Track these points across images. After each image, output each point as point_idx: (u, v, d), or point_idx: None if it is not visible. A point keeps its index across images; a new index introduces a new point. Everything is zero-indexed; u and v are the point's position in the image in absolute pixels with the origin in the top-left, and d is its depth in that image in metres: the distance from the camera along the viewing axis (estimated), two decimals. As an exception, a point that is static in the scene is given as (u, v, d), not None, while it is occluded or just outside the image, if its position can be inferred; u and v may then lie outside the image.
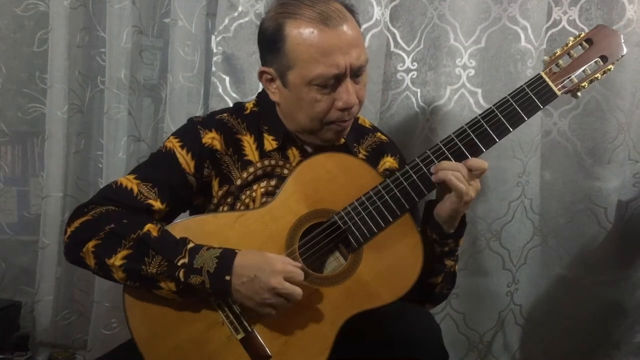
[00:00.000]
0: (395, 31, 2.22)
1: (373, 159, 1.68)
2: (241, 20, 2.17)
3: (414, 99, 2.24)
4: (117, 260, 1.43)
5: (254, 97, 2.12)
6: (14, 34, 2.40)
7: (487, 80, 2.20)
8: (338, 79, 1.49)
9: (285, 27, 1.49)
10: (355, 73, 1.51)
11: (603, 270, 2.34)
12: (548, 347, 2.40)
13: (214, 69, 2.22)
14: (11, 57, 2.41)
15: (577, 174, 2.28)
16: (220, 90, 2.21)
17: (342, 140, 1.65)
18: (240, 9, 2.16)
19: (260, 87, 2.15)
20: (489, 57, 2.20)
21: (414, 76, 2.24)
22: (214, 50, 2.23)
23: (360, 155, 1.68)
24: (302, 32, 1.47)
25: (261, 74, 1.59)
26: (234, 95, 2.21)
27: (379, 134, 1.77)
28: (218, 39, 2.20)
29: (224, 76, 2.21)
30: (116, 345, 1.77)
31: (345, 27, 1.48)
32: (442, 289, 1.64)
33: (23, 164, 2.50)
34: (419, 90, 2.23)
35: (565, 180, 2.31)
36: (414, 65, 2.24)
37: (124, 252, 1.43)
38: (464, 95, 2.19)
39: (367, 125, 1.78)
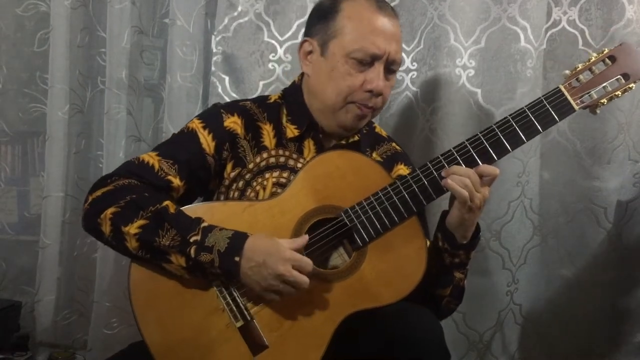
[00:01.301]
0: (395, 31, 2.22)
1: (386, 166, 1.68)
2: (241, 20, 2.18)
3: (414, 99, 2.24)
4: (132, 228, 1.46)
5: (254, 96, 2.14)
6: (14, 34, 2.40)
7: (487, 80, 2.21)
8: (374, 60, 1.57)
9: (342, 3, 1.61)
10: (390, 65, 1.60)
11: (603, 270, 2.34)
12: (547, 346, 2.40)
13: (213, 68, 2.22)
14: (12, 57, 2.41)
15: (576, 174, 2.29)
16: (219, 90, 2.21)
17: (357, 137, 1.68)
18: (240, 8, 2.17)
19: (260, 88, 2.17)
20: (489, 58, 2.20)
21: (414, 76, 2.24)
22: (214, 50, 2.23)
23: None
24: (357, 9, 1.59)
25: (302, 43, 1.67)
26: (234, 95, 2.21)
27: (394, 144, 1.80)
28: (218, 38, 2.20)
29: (223, 76, 2.21)
30: (116, 348, 1.76)
31: (395, 21, 1.63)
32: (449, 304, 1.65)
33: (23, 164, 2.50)
34: (419, 90, 2.24)
35: (565, 180, 2.31)
36: (413, 65, 2.24)
37: (140, 222, 1.46)
38: (464, 96, 2.19)
39: (383, 135, 1.82)
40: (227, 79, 2.22)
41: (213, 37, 2.26)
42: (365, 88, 1.58)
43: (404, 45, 2.22)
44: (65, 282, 2.46)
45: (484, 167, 1.50)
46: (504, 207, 2.27)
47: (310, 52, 1.65)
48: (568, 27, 2.21)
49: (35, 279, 2.41)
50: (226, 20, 2.18)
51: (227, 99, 2.19)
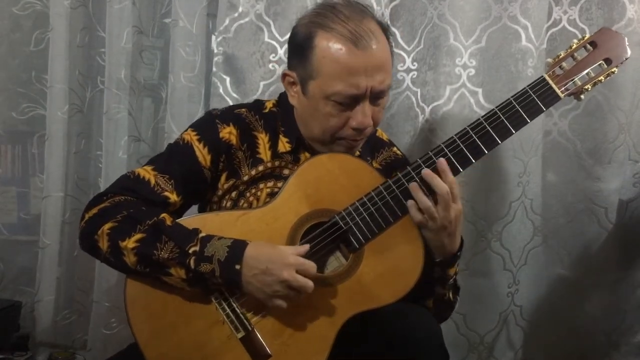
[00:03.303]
0: (396, 31, 2.21)
1: (385, 174, 1.67)
2: (241, 21, 2.18)
3: (414, 99, 2.24)
4: (130, 243, 1.44)
5: (255, 96, 2.13)
6: (13, 34, 2.39)
7: (487, 79, 2.20)
8: (356, 99, 1.50)
9: (315, 37, 1.50)
10: (376, 96, 1.52)
11: (603, 271, 2.34)
12: (548, 347, 2.40)
13: (214, 69, 2.22)
14: (8, 56, 2.40)
15: (577, 174, 2.28)
16: (220, 90, 2.21)
17: (357, 153, 1.65)
18: (240, 9, 2.17)
19: (261, 89, 2.17)
20: (490, 57, 2.19)
21: (414, 76, 2.23)
22: (215, 51, 2.23)
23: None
24: (331, 47, 1.48)
25: (284, 76, 1.61)
26: (235, 95, 2.21)
27: (394, 149, 1.78)
28: (219, 39, 2.20)
29: (224, 76, 2.21)
30: (115, 350, 1.76)
31: (374, 50, 1.48)
32: (437, 315, 1.61)
33: (23, 164, 2.50)
34: (419, 90, 2.23)
35: (565, 180, 2.31)
36: (414, 65, 2.24)
37: (138, 236, 1.45)
38: (464, 95, 2.19)
39: (384, 139, 1.79)
40: (228, 79, 2.22)
41: (214, 37, 2.27)
42: (350, 125, 1.52)
43: (404, 45, 2.22)
44: (65, 282, 2.46)
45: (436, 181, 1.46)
46: (505, 207, 2.27)
47: (294, 83, 1.59)
48: (569, 27, 2.21)
49: (35, 279, 2.41)
50: (227, 21, 2.18)
51: (229, 100, 2.20)
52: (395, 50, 2.22)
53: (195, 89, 2.29)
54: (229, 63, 2.20)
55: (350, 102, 1.50)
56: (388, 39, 1.55)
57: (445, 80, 2.19)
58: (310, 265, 1.42)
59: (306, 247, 1.45)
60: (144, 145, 2.40)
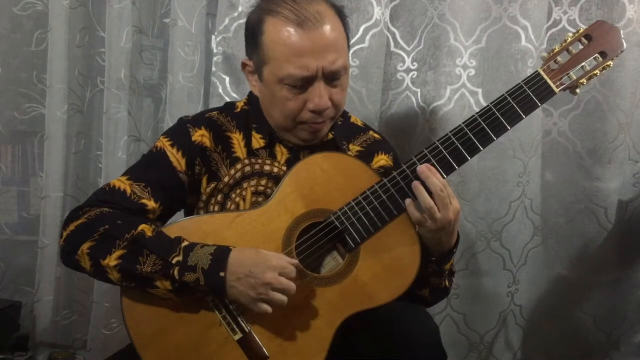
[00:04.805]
0: (395, 31, 2.21)
1: (365, 157, 1.67)
2: (241, 21, 2.17)
3: (414, 99, 2.24)
4: (111, 260, 1.43)
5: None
6: (13, 34, 2.39)
7: (487, 80, 2.20)
8: (309, 81, 1.50)
9: (264, 23, 1.51)
10: (330, 77, 1.51)
11: (603, 270, 2.34)
12: (548, 347, 2.40)
13: (214, 69, 2.22)
14: (9, 57, 2.40)
15: (577, 174, 2.28)
16: (220, 90, 2.21)
17: (330, 135, 1.65)
18: (240, 9, 2.16)
19: (260, 87, 2.17)
20: (490, 57, 2.19)
21: (414, 76, 2.23)
22: (214, 50, 2.23)
23: (350, 153, 1.68)
24: (278, 31, 1.49)
25: (243, 65, 1.62)
26: (234, 95, 2.21)
27: (371, 132, 1.77)
28: (218, 39, 2.20)
29: (224, 76, 2.21)
30: (115, 350, 1.76)
31: (321, 31, 1.48)
32: (434, 300, 1.65)
33: (23, 164, 2.50)
34: (419, 90, 2.23)
35: (565, 180, 2.31)
36: (414, 65, 2.23)
37: (118, 252, 1.43)
38: (464, 95, 2.19)
39: (359, 124, 1.78)
40: (227, 79, 2.22)
41: (213, 37, 2.26)
42: (308, 108, 1.52)
43: (404, 45, 2.22)
44: (64, 282, 2.46)
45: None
46: (504, 207, 2.27)
47: (252, 72, 1.60)
48: (568, 27, 2.20)
49: (34, 279, 2.41)
50: (226, 21, 2.18)
51: (228, 99, 2.19)
52: (395, 50, 2.23)
53: (194, 88, 2.30)
54: (229, 63, 2.20)
55: (303, 84, 1.50)
56: (342, 20, 1.55)
57: (445, 80, 2.19)
58: (292, 269, 1.41)
59: (295, 261, 1.45)
60: (143, 145, 2.40)
